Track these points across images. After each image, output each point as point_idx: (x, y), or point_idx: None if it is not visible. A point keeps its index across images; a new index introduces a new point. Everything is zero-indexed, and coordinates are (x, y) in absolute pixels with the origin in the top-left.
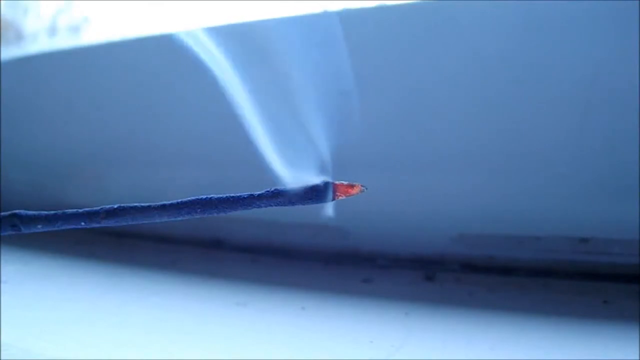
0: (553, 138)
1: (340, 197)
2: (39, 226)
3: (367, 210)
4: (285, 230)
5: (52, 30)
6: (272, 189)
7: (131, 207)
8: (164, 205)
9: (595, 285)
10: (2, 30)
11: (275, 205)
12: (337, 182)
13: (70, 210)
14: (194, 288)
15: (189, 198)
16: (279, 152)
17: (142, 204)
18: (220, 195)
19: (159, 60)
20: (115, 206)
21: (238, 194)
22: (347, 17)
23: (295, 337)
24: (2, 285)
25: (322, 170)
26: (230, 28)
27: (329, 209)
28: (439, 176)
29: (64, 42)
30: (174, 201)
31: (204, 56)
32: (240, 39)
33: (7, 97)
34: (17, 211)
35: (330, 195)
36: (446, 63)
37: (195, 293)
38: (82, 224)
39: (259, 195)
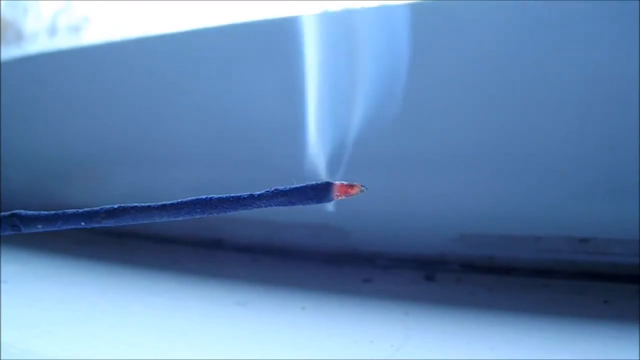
0: (553, 138)
1: (340, 197)
2: (39, 226)
3: (367, 210)
4: (285, 230)
5: (52, 30)
6: (272, 189)
7: (131, 207)
8: (164, 205)
9: (595, 285)
10: (2, 30)
11: (275, 205)
12: (337, 182)
13: (70, 210)
14: (194, 288)
15: (189, 198)
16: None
17: (142, 204)
18: (220, 195)
19: (159, 60)
20: (115, 206)
21: (238, 194)
22: (347, 17)
23: (295, 337)
24: (2, 285)
25: (323, 169)
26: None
27: (329, 206)
28: (439, 176)
29: (64, 42)
30: (174, 201)
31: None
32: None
33: (7, 97)
34: (17, 211)
35: (330, 195)
36: (446, 63)
37: (195, 293)
38: (82, 224)
39: (259, 195)
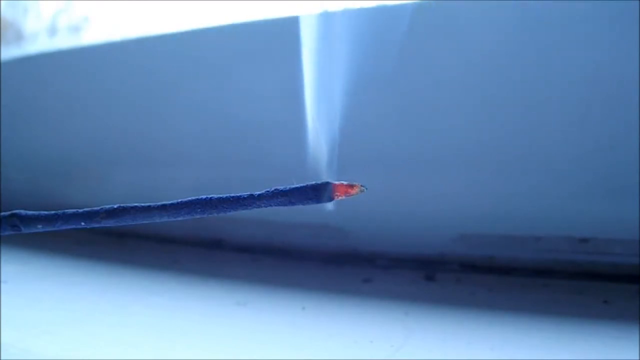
0: (553, 138)
1: (340, 197)
2: (39, 226)
3: (367, 210)
4: (285, 230)
5: (52, 30)
6: (272, 189)
7: (131, 207)
8: (164, 205)
9: (595, 285)
10: (2, 30)
11: (275, 205)
12: (336, 182)
13: (70, 210)
14: (194, 288)
15: (189, 198)
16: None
17: (142, 204)
18: (220, 195)
19: (159, 60)
20: (115, 206)
21: (238, 194)
22: (347, 17)
23: (295, 337)
24: (2, 285)
25: (323, 170)
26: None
27: (329, 206)
28: (439, 176)
29: (64, 42)
30: (174, 201)
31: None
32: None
33: (7, 97)
34: (17, 211)
35: (330, 195)
36: (446, 63)
37: (195, 293)
38: (82, 224)
39: (259, 195)
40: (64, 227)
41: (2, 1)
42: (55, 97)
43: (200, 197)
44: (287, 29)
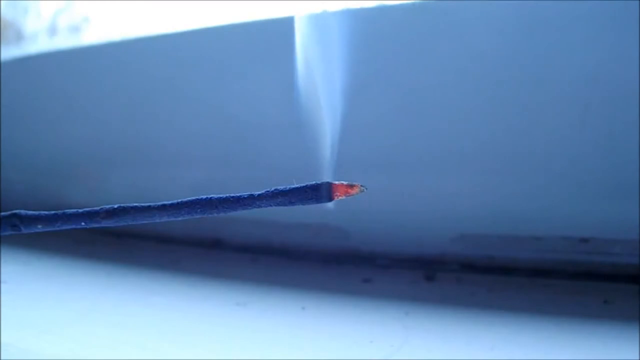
0: (553, 138)
1: (340, 197)
2: (39, 226)
3: (367, 210)
4: (285, 230)
5: (52, 30)
6: (272, 189)
7: (131, 207)
8: (164, 205)
9: (595, 285)
10: (2, 30)
11: (275, 205)
12: (336, 182)
13: (70, 210)
14: (194, 288)
15: (189, 198)
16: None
17: (142, 204)
18: (220, 195)
19: (159, 60)
20: (115, 206)
21: (238, 194)
22: (347, 17)
23: (295, 337)
24: (2, 285)
25: (323, 170)
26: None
27: (329, 206)
28: (439, 176)
29: (64, 42)
30: (174, 201)
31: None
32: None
33: (7, 97)
34: (17, 211)
35: (330, 195)
36: (446, 63)
37: (195, 293)
38: (82, 224)
39: (259, 195)
40: (64, 227)
41: (2, 1)
42: (55, 97)
43: (200, 197)
44: (287, 29)
